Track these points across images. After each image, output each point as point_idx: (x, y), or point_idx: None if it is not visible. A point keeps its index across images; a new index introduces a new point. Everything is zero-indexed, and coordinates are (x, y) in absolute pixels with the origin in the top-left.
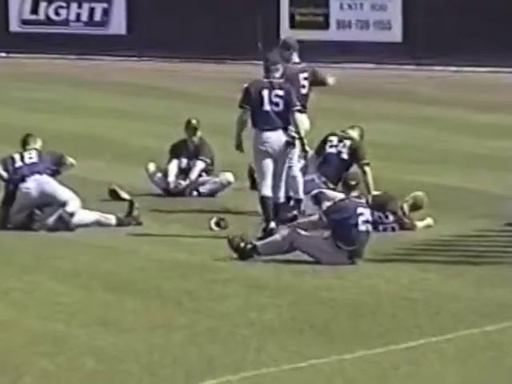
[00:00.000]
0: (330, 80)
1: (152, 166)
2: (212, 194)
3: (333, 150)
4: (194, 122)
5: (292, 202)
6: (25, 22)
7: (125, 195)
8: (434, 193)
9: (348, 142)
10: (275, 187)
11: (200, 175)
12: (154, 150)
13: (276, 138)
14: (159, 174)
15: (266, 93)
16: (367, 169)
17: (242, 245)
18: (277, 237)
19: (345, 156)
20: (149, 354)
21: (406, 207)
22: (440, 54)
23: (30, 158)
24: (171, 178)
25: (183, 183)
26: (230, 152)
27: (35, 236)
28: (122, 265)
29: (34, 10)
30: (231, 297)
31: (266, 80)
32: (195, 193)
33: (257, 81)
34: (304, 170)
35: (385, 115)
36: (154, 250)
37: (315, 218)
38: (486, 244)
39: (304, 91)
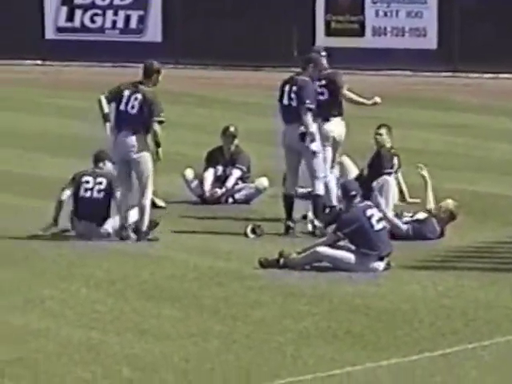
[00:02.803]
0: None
1: (189, 173)
2: (248, 199)
3: None
4: (232, 129)
5: (327, 210)
6: (60, 30)
7: (161, 203)
8: (470, 200)
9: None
10: (311, 180)
11: (236, 183)
12: (189, 157)
13: (292, 131)
14: (196, 181)
15: (286, 88)
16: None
17: (274, 261)
18: (304, 255)
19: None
20: (185, 361)
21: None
22: (476, 60)
23: (133, 107)
24: (207, 186)
25: (219, 191)
26: (266, 159)
27: (70, 244)
28: (157, 272)
29: (70, 18)
30: (267, 304)
31: (291, 75)
32: (231, 199)
33: (287, 77)
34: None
35: (421, 122)
36: (190, 258)
37: (330, 236)
38: None
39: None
